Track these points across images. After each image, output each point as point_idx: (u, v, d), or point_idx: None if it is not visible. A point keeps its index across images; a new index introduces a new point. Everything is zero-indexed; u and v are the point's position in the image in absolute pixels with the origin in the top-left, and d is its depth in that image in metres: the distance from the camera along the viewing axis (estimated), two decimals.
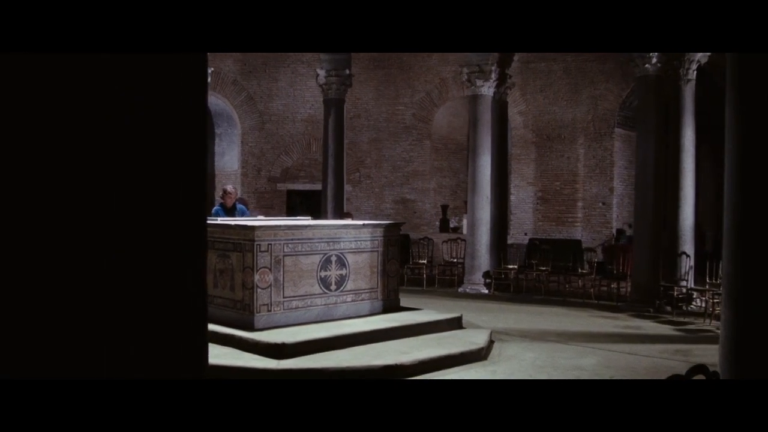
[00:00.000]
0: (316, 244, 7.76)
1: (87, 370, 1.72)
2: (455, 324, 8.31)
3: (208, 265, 7.66)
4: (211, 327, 7.29)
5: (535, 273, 12.46)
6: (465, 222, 16.39)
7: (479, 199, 12.24)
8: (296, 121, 16.85)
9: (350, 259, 8.07)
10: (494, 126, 12.56)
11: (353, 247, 8.11)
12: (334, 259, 7.90)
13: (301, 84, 16.67)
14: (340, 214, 13.00)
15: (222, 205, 9.46)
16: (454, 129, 17.21)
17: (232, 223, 7.52)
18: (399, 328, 7.66)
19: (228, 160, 16.92)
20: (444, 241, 14.30)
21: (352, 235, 8.13)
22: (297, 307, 7.55)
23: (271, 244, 7.31)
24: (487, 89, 12.31)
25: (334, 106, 13.16)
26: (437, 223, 16.96)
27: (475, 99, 12.35)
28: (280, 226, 7.49)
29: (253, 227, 7.17)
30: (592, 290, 11.62)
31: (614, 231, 15.30)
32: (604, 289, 11.76)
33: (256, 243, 7.17)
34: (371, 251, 8.31)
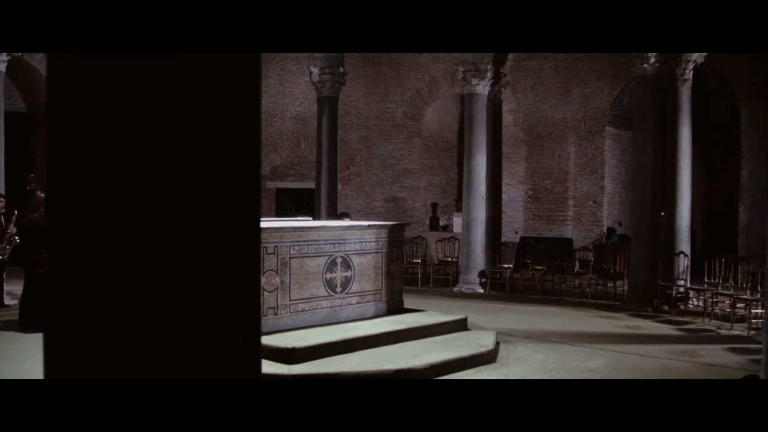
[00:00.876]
0: (322, 246, 7.65)
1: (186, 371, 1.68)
2: (461, 326, 8.25)
3: None
4: None
5: (530, 272, 12.43)
6: (455, 220, 16.36)
7: (475, 198, 12.19)
8: (285, 119, 16.67)
9: (355, 260, 7.97)
10: (489, 125, 12.50)
11: (358, 248, 8.01)
12: (339, 260, 7.80)
13: (291, 81, 16.50)
14: (335, 213, 12.87)
15: None
16: (444, 127, 17.15)
17: None
18: (406, 331, 7.58)
19: None
20: (438, 240, 14.22)
21: (357, 236, 8.03)
22: (303, 310, 7.44)
23: (277, 246, 7.19)
24: (483, 88, 12.25)
25: (327, 104, 13.02)
26: (427, 221, 16.89)
27: (470, 98, 12.29)
28: (286, 227, 7.36)
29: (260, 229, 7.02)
30: (588, 289, 11.62)
31: (605, 229, 15.35)
32: (600, 287, 11.78)
33: (262, 245, 7.03)
34: (375, 252, 8.22)
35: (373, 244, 8.18)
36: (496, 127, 13.09)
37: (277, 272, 7.17)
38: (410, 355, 6.92)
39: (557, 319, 9.95)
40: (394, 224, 8.60)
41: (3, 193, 10.48)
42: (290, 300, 7.31)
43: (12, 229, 10.11)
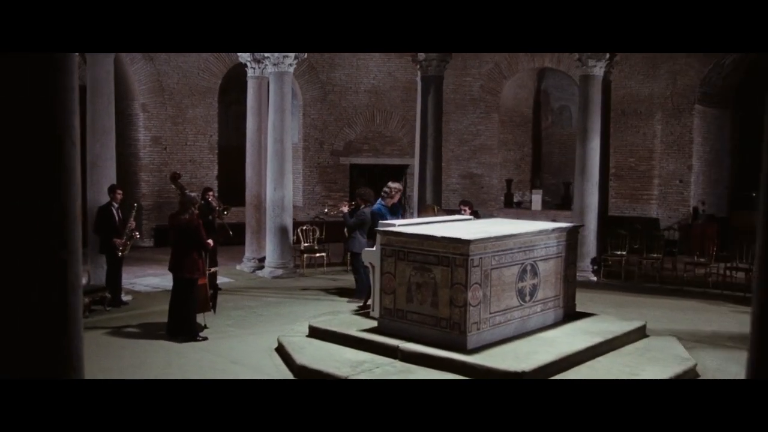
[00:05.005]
0: (516, 254, 7.27)
1: None
2: (642, 332, 7.98)
3: (399, 278, 7.15)
4: (416, 347, 6.79)
5: (643, 259, 12.17)
6: (533, 198, 16.03)
7: (588, 185, 11.83)
8: (359, 92, 16.08)
9: (541, 267, 7.62)
10: (603, 108, 12.09)
11: (543, 254, 7.66)
12: (528, 268, 7.44)
13: (365, 53, 15.84)
14: (440, 198, 12.47)
15: (384, 205, 8.85)
16: (519, 101, 16.67)
17: (438, 234, 6.94)
18: (605, 343, 7.28)
19: None
20: None
21: (544, 241, 7.66)
22: (499, 323, 7.10)
23: (481, 258, 6.80)
24: (599, 69, 11.78)
25: (433, 83, 12.47)
26: (502, 198, 16.54)
27: (585, 79, 11.82)
28: (489, 237, 6.94)
29: (467, 241, 6.63)
30: (709, 279, 11.40)
31: (691, 209, 15.09)
32: (699, 272, 11.53)
33: (469, 258, 6.64)
34: (556, 257, 7.87)
35: (554, 248, 7.83)
36: (606, 109, 12.66)
37: (480, 285, 6.79)
38: (627, 372, 6.62)
39: (703, 315, 9.72)
40: (572, 227, 8.24)
41: (115, 183, 9.92)
42: (489, 313, 6.96)
43: (132, 223, 9.61)
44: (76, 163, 2.95)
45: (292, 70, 11.60)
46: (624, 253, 12.22)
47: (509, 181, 16.52)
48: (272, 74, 11.54)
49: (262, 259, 12.18)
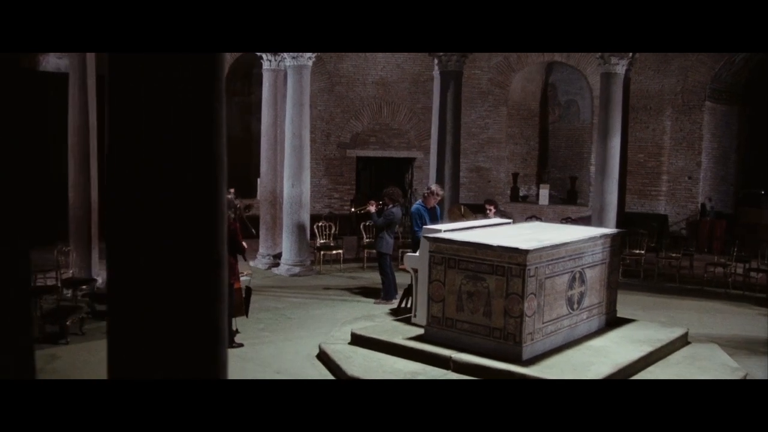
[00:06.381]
0: (567, 263, 7.15)
1: None
2: (684, 339, 7.93)
3: (449, 286, 7.00)
4: (470, 358, 6.65)
5: (663, 258, 12.15)
6: (541, 192, 15.96)
7: (609, 183, 11.75)
8: (367, 84, 15.81)
9: (588, 274, 7.52)
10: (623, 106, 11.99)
11: (590, 261, 7.55)
12: (577, 276, 7.34)
13: None
14: (458, 196, 12.31)
15: (424, 205, 8.66)
16: (527, 94, 16.53)
17: (493, 243, 6.78)
18: (655, 352, 7.22)
19: None
20: (562, 220, 13.78)
21: (591, 248, 7.54)
22: (551, 332, 6.99)
23: (537, 268, 6.67)
24: (621, 68, 11.66)
25: (453, 79, 12.26)
26: (508, 191, 16.44)
27: (607, 77, 11.70)
28: (545, 247, 6.79)
29: (525, 251, 6.48)
30: (730, 279, 11.41)
31: (699, 206, 15.12)
32: (718, 272, 11.54)
33: (527, 268, 6.51)
34: (601, 264, 7.77)
35: (599, 255, 7.72)
36: (625, 107, 12.57)
37: (535, 295, 6.67)
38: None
39: (731, 318, 9.69)
40: (617, 233, 8.15)
41: None
42: (542, 323, 6.85)
43: None
44: (224, 186, 2.83)
45: (311, 63, 11.33)
46: (642, 251, 12.19)
47: (515, 175, 16.42)
48: (290, 68, 11.25)
49: (276, 256, 11.95)
